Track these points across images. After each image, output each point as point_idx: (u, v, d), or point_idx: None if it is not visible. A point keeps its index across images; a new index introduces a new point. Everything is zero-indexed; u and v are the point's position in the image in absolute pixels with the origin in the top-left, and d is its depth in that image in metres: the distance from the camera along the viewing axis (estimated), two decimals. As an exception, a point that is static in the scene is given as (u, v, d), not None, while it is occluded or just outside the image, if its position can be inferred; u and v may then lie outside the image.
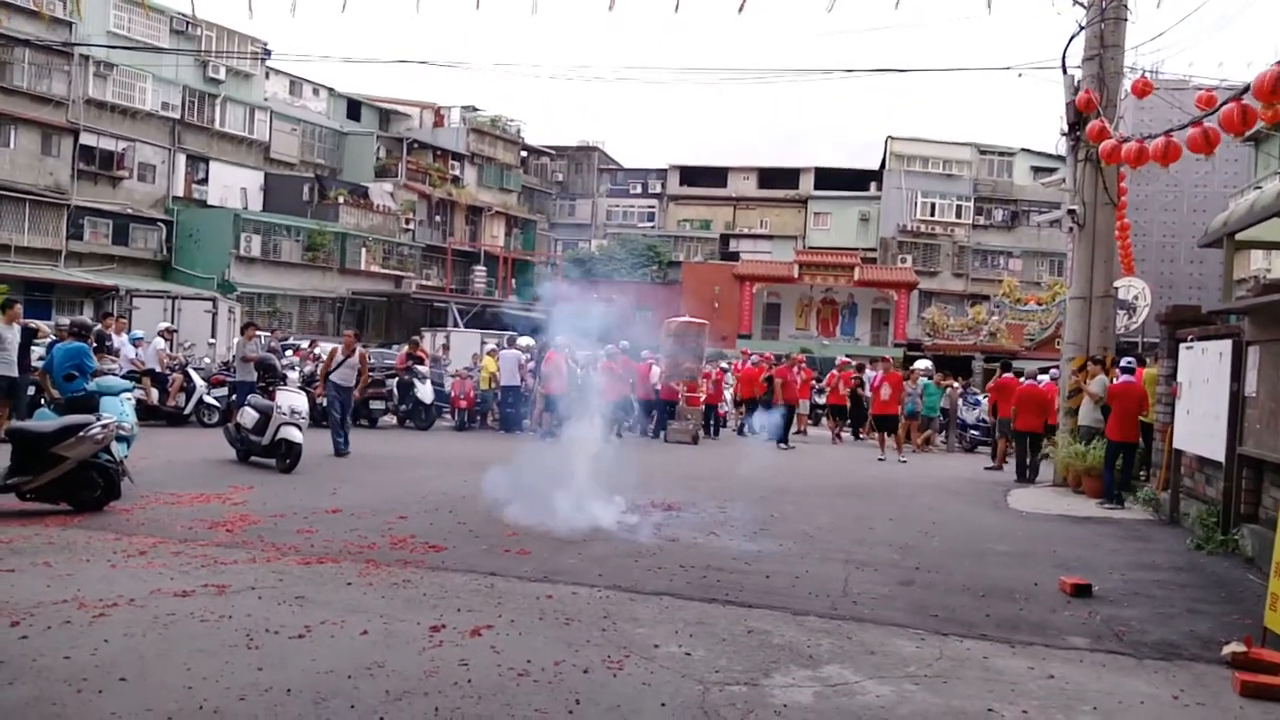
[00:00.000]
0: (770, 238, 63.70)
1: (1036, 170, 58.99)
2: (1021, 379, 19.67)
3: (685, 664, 6.10)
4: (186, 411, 19.93)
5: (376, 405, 22.53)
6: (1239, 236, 11.56)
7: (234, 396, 18.34)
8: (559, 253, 64.86)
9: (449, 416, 23.81)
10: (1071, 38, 17.25)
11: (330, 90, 55.74)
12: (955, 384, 27.11)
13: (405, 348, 25.23)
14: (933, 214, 59.76)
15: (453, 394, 23.60)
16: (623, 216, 68.25)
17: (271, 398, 14.61)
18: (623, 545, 9.80)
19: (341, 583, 7.66)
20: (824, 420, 29.41)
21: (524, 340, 23.54)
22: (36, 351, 16.45)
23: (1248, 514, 10.74)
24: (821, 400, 29.81)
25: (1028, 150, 60.92)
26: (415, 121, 60.06)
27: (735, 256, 59.97)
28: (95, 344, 14.98)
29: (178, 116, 44.32)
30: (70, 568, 7.70)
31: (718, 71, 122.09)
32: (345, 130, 55.08)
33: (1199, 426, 12.20)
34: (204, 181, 45.96)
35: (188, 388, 19.96)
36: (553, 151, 69.07)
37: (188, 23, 43.42)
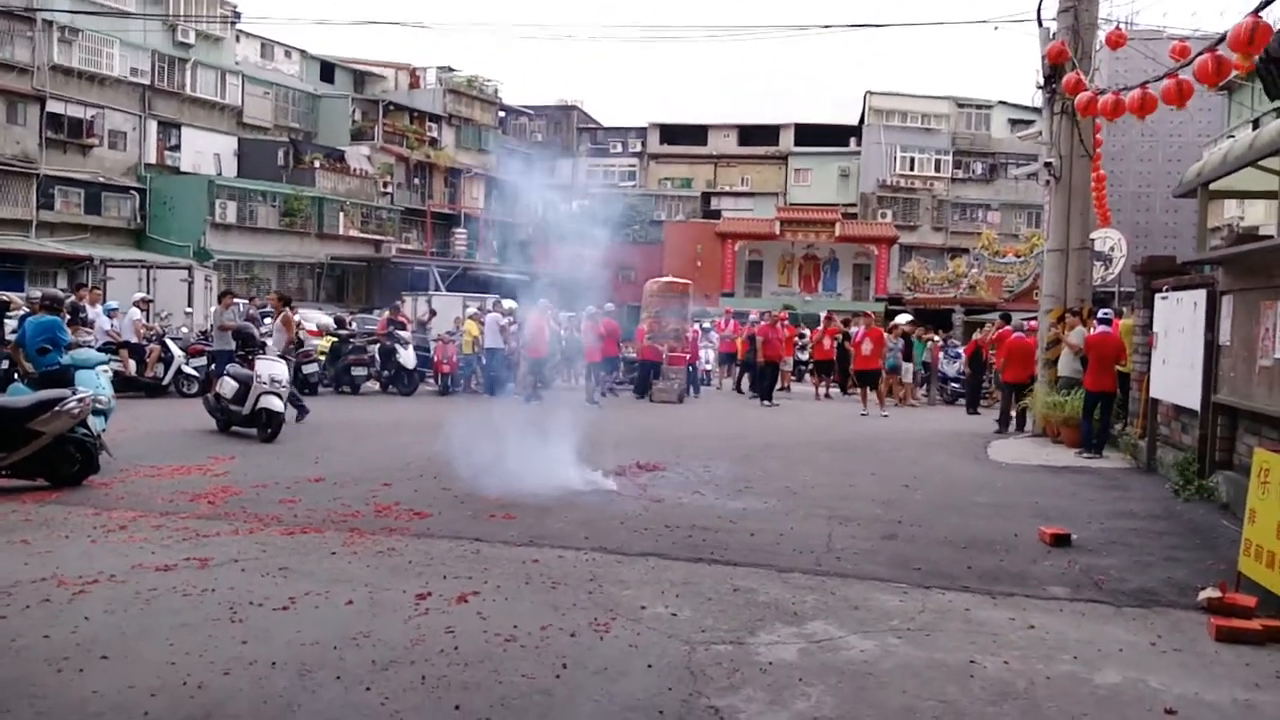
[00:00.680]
0: (751, 195, 63.55)
1: (1014, 123, 58.87)
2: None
3: (671, 624, 6.14)
4: (165, 382, 19.83)
5: (359, 371, 22.48)
6: (1213, 186, 11.55)
7: (213, 366, 18.24)
8: (540, 214, 64.50)
9: (432, 381, 23.78)
10: (1047, -10, 17.22)
11: (303, 53, 55.09)
12: (935, 337, 27.20)
13: (386, 313, 25.17)
14: (912, 168, 59.68)
15: (435, 358, 23.55)
16: (603, 176, 67.93)
17: (251, 366, 14.56)
18: (608, 507, 9.83)
19: (325, 552, 7.67)
20: (808, 376, 29.49)
21: (507, 303, 23.51)
22: (9, 325, 16.34)
23: (1222, 461, 10.85)
24: (805, 357, 29.92)
25: (1005, 103, 60.82)
26: (391, 83, 59.51)
27: (717, 215, 59.83)
28: (69, 316, 14.88)
29: (147, 82, 43.74)
30: (49, 544, 7.68)
31: (695, 28, 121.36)
32: (319, 93, 54.51)
33: (1175, 375, 12.30)
34: (176, 148, 45.47)
35: (165, 358, 19.86)
36: (531, 112, 68.58)
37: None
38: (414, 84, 59.66)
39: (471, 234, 55.27)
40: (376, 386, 23.04)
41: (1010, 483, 12.43)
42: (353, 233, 48.67)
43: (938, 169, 59.87)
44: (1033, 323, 19.93)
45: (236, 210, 43.75)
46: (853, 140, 62.37)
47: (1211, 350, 11.06)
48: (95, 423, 10.90)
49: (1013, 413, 18.12)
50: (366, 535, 8.25)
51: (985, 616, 6.52)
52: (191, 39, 45.29)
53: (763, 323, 24.63)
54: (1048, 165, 17.35)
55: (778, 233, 51.90)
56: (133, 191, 42.89)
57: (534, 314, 21.84)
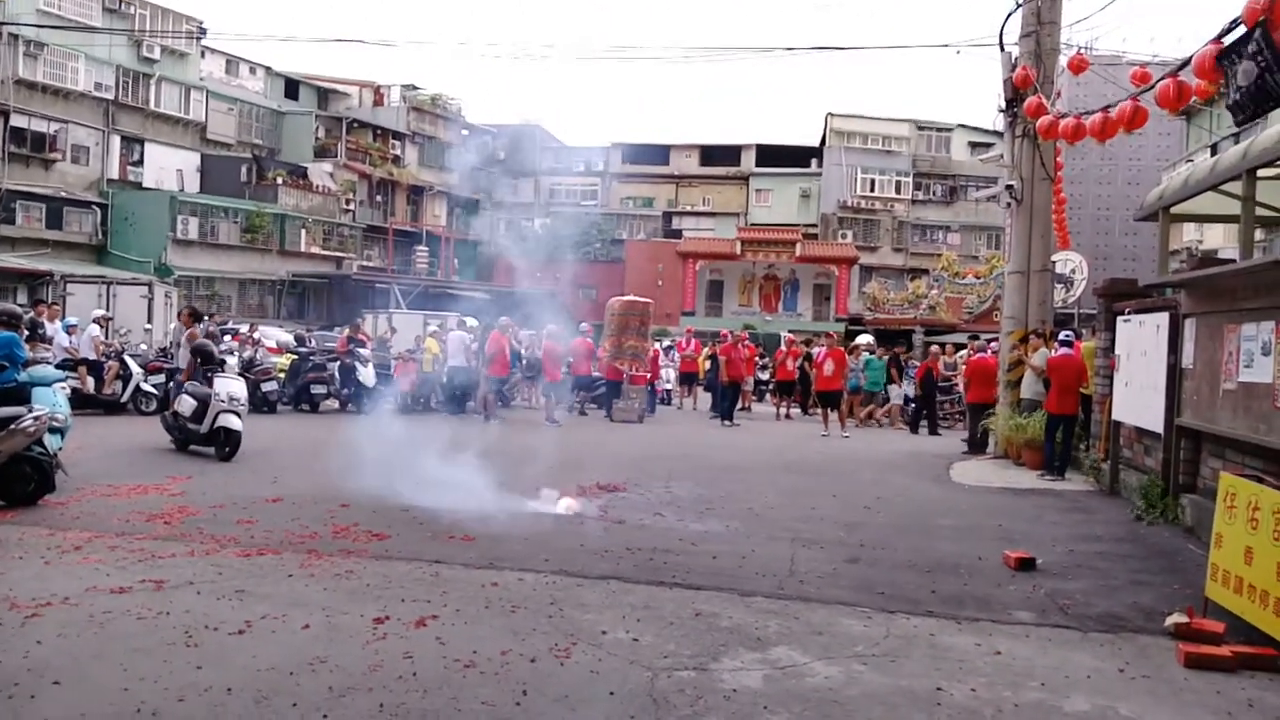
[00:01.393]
0: (713, 215, 63.71)
1: (974, 146, 59.48)
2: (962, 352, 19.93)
3: (633, 650, 6.06)
4: (123, 400, 19.56)
5: (318, 390, 22.26)
6: (1174, 210, 11.66)
7: (171, 384, 18.01)
8: (502, 232, 64.44)
9: (391, 399, 23.58)
10: (1009, 15, 17.41)
11: (268, 69, 54.89)
12: (898, 355, 27.28)
13: (346, 330, 24.97)
14: (872, 190, 59.98)
15: (395, 376, 23.35)
16: (565, 195, 67.88)
17: (209, 384, 14.38)
18: (568, 529, 9.75)
19: (283, 575, 7.54)
20: (768, 396, 29.50)
21: (470, 321, 23.36)
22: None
23: (1186, 484, 10.89)
24: (765, 376, 29.95)
25: (965, 126, 61.38)
26: (355, 100, 59.37)
27: (678, 234, 59.97)
28: (28, 332, 14.61)
29: (111, 97, 43.48)
30: (2, 566, 7.50)
31: (664, 49, 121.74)
32: (283, 110, 54.30)
33: (1137, 398, 12.35)
34: (139, 163, 45.18)
35: (124, 375, 19.59)
36: (494, 130, 68.48)
37: (120, 1, 42.59)
38: (378, 101, 59.55)
39: (433, 251, 55.11)
40: (336, 405, 22.83)
41: (973, 505, 12.43)
42: (314, 249, 48.44)
43: (898, 190, 60.20)
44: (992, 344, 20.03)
45: (199, 226, 43.48)
46: (814, 161, 62.62)
47: (1174, 373, 11.12)
48: (52, 441, 10.70)
49: (978, 434, 18.18)
50: (324, 557, 8.12)
51: (950, 642, 6.48)
52: (156, 54, 45.06)
53: (725, 342, 24.63)
54: (1009, 188, 17.44)
55: (739, 253, 52.08)
56: (95, 207, 42.58)
57: (495, 332, 21.77)
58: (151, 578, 7.26)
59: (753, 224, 59.83)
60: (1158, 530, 10.62)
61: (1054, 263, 19.54)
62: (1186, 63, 8.61)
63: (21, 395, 11.58)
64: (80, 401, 17.27)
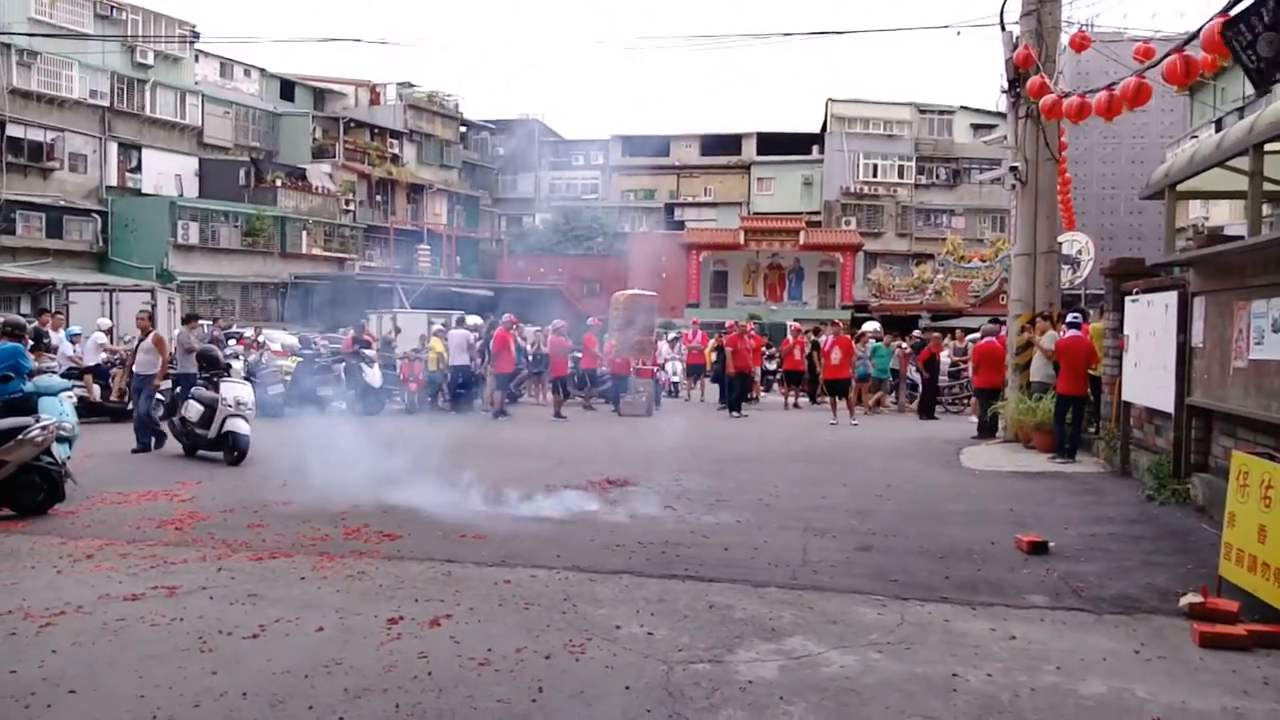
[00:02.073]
0: (715, 205, 63.72)
1: (976, 128, 59.31)
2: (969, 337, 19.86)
3: (648, 644, 6.04)
4: (130, 406, 19.55)
5: (324, 391, 22.23)
6: (1180, 187, 11.59)
7: (177, 389, 17.99)
8: (503, 228, 64.52)
9: (398, 399, 23.58)
10: (1009, -6, 17.27)
11: (262, 71, 54.91)
12: (903, 344, 27.21)
13: (351, 331, 24.95)
14: (875, 175, 59.92)
15: (401, 376, 23.35)
16: (566, 189, 67.88)
17: (216, 389, 14.37)
18: (580, 524, 9.73)
19: (295, 578, 7.53)
20: (775, 386, 29.42)
21: (472, 319, 23.32)
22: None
23: (1198, 463, 10.85)
24: (773, 366, 29.87)
25: (967, 108, 61.22)
26: (351, 100, 59.35)
27: (681, 225, 59.92)
28: (33, 342, 14.58)
29: (107, 104, 43.54)
30: (14, 576, 7.50)
31: (660, 39, 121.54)
32: (279, 111, 54.29)
33: (1147, 378, 12.30)
34: (137, 170, 45.24)
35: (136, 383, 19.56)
36: (493, 126, 68.48)
37: (112, 7, 42.61)
38: (374, 100, 59.53)
39: (435, 250, 55.12)
40: (343, 406, 22.80)
41: (984, 490, 12.39)
42: (316, 251, 48.46)
43: (901, 175, 60.12)
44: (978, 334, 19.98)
45: (199, 231, 43.53)
46: (815, 148, 62.55)
47: (1184, 352, 11.07)
48: (60, 450, 10.71)
49: (987, 418, 18.12)
50: (336, 559, 8.11)
51: (965, 628, 6.45)
52: (150, 59, 45.09)
53: (731, 333, 24.56)
54: (1013, 169, 17.36)
55: (742, 242, 51.98)
56: (94, 214, 42.65)
57: (500, 329, 21.76)
58: (164, 584, 7.26)
59: (755, 213, 59.74)
60: (1170, 510, 10.58)
61: (1060, 244, 19.47)
62: (1193, 37, 8.54)
63: (28, 405, 11.60)
64: (87, 410, 17.29)
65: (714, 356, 26.98)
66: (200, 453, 14.44)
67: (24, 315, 22.62)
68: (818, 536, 9.27)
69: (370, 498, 10.78)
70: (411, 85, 60.54)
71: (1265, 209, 12.45)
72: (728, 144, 65.19)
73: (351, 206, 52.57)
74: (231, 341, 22.67)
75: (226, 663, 5.63)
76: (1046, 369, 16.05)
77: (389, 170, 55.74)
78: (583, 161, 68.66)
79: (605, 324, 25.16)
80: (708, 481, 12.52)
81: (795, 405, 25.83)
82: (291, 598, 6.98)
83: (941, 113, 61.69)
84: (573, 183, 68.12)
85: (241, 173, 47.86)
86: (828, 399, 22.61)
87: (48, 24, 39.99)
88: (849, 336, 23.30)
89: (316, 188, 50.22)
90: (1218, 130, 17.68)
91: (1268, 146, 9.23)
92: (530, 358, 24.74)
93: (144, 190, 44.82)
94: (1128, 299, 13.34)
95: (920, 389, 24.29)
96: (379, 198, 55.66)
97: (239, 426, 13.84)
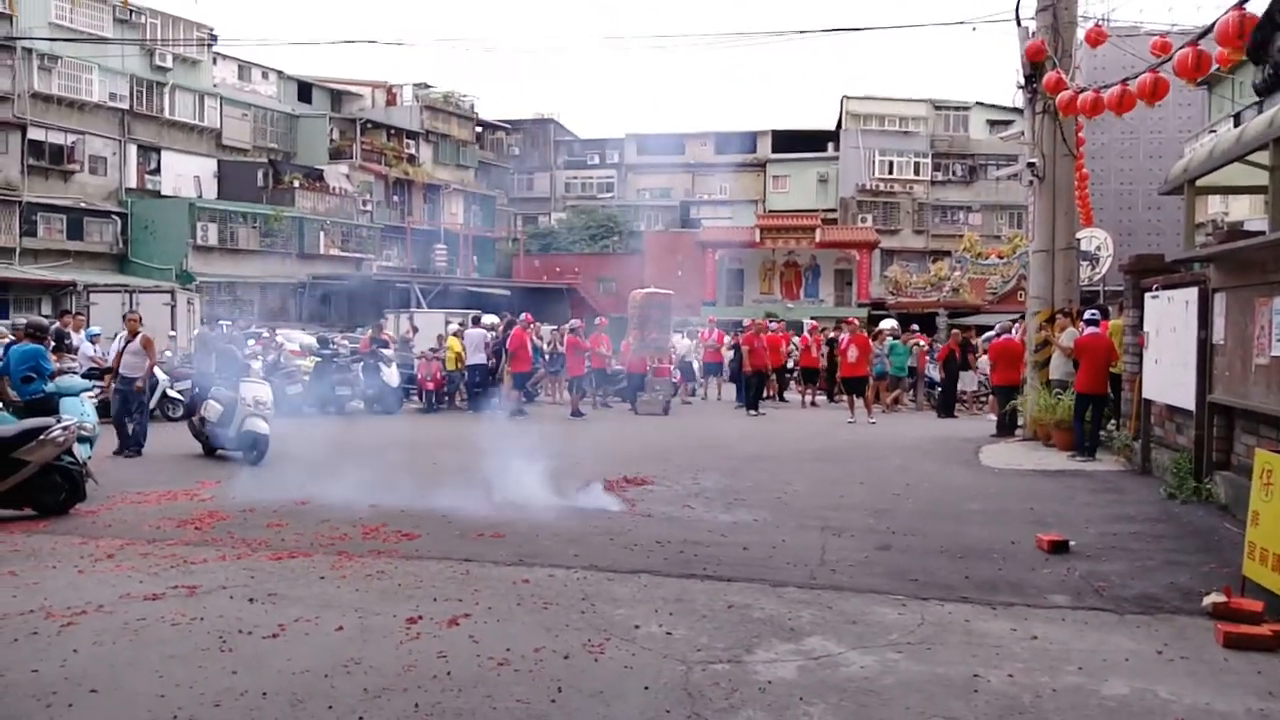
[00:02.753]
0: (730, 203, 63.64)
1: (992, 124, 59.05)
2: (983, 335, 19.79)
3: (667, 644, 6.03)
4: (150, 406, 19.61)
5: (343, 391, 22.30)
6: (1199, 183, 11.51)
7: (197, 389, 18.04)
8: (519, 228, 64.56)
9: (416, 399, 23.64)
10: (1025, -10, 17.21)
11: (280, 73, 55.08)
12: (921, 341, 27.11)
13: (369, 331, 25.02)
14: (891, 172, 59.72)
15: (419, 375, 23.40)
16: (581, 188, 67.89)
17: (235, 389, 14.41)
18: (597, 523, 9.72)
19: (314, 577, 7.55)
20: (792, 384, 29.32)
21: (488, 319, 23.36)
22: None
23: (1220, 461, 10.78)
24: (791, 364, 29.77)
25: (982, 104, 60.92)
26: (368, 101, 59.46)
27: (696, 224, 59.84)
28: (55, 343, 14.64)
29: (126, 107, 43.69)
30: (36, 575, 7.54)
31: (675, 38, 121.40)
32: (297, 113, 54.44)
33: (1168, 375, 12.23)
34: (156, 172, 45.40)
35: (150, 382, 19.63)
36: (508, 125, 68.55)
37: (131, 11, 42.78)
38: (390, 101, 59.62)
39: (452, 249, 55.18)
40: (361, 406, 22.86)
41: (1003, 488, 12.34)
42: (333, 251, 48.57)
43: (917, 172, 59.91)
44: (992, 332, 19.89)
45: (218, 232, 43.68)
46: (830, 145, 62.35)
47: (1205, 349, 11.00)
48: (81, 450, 10.77)
49: (1005, 417, 18.05)
50: (355, 558, 8.13)
51: (986, 628, 6.42)
52: (169, 63, 45.24)
53: (748, 332, 24.51)
54: (1030, 165, 17.30)
55: (758, 240, 51.84)
56: (114, 216, 42.85)
57: (517, 329, 21.78)
58: (184, 583, 7.28)
59: (771, 211, 59.60)
60: (1191, 509, 10.51)
61: (1078, 240, 19.38)
62: (1208, 30, 8.48)
63: (50, 406, 11.71)
64: (107, 410, 17.33)
65: (730, 355, 26.94)
66: (220, 452, 14.48)
67: (45, 316, 22.74)
68: (836, 535, 9.25)
69: (388, 497, 10.80)
70: (427, 86, 60.62)
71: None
72: (743, 142, 65.07)
73: (368, 207, 52.67)
74: (250, 342, 22.71)
75: (246, 662, 5.64)
76: (1066, 367, 15.98)
77: (405, 170, 55.83)
78: (598, 160, 68.63)
79: (611, 324, 25.14)
80: (725, 480, 12.51)
81: (813, 403, 25.78)
82: (311, 597, 6.99)
83: (957, 109, 61.43)
84: (588, 181, 68.12)
85: (260, 174, 48.00)
86: (845, 397, 22.55)
87: (68, 28, 40.16)
88: (865, 334, 23.24)
89: (334, 188, 50.34)
90: (1236, 124, 17.53)
91: (1288, 141, 9.15)
92: (546, 357, 24.77)
93: (163, 192, 44.99)
94: (1147, 295, 13.26)
95: (938, 386, 24.21)
96: (396, 198, 55.77)
97: (258, 426, 13.87)
